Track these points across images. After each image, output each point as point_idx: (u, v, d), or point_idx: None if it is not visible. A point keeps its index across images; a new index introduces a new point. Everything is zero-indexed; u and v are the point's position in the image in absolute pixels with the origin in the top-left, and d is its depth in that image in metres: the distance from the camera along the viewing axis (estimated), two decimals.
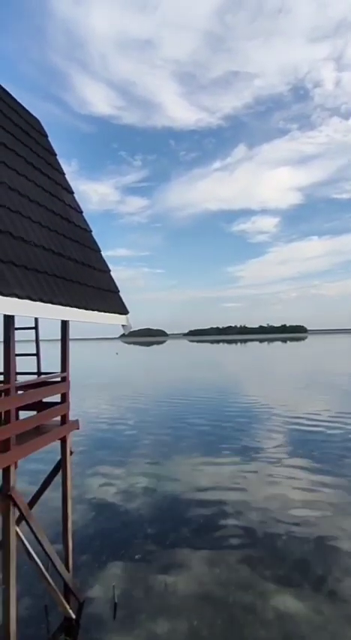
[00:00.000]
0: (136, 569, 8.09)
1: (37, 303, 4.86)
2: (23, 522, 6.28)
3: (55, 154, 8.74)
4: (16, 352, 6.78)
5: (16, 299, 4.43)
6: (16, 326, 6.27)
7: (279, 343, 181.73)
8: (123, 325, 7.69)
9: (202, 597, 7.15)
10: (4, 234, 4.82)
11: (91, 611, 6.89)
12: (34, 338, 8.00)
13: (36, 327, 7.81)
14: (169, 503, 11.45)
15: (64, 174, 8.63)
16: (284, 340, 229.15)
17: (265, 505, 11.08)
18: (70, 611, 6.64)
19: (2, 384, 5.60)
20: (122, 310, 7.73)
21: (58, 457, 7.39)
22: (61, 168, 8.64)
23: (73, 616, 6.64)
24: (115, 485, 12.97)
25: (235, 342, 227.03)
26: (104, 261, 8.25)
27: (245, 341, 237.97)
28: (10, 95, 7.56)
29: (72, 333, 7.57)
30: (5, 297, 4.23)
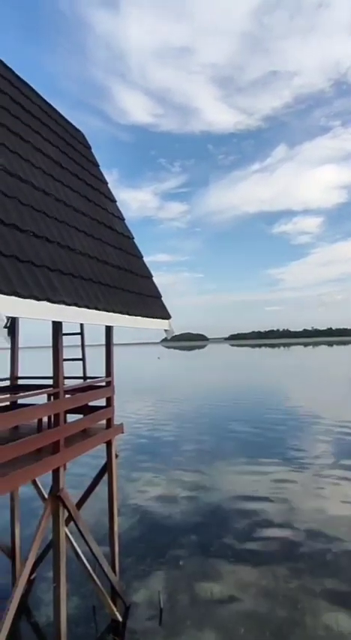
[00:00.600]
0: (181, 576, 8.05)
1: (84, 309, 4.99)
2: (71, 523, 6.44)
3: (98, 165, 9.00)
4: (64, 357, 7.01)
5: (64, 306, 4.58)
6: (63, 332, 6.50)
7: (324, 347, 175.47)
8: (166, 330, 7.74)
9: (248, 610, 6.97)
10: (52, 244, 5.01)
11: (137, 615, 6.92)
12: (79, 343, 8.24)
13: (81, 333, 8.03)
14: (212, 510, 11.32)
15: (106, 183, 8.86)
16: (330, 344, 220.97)
17: (311, 516, 10.67)
18: (117, 614, 6.71)
19: (52, 388, 5.79)
20: (165, 315, 7.78)
21: (100, 461, 7.53)
22: (104, 178, 8.88)
23: (120, 619, 6.71)
24: (158, 489, 13.03)
25: (277, 346, 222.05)
26: (146, 267, 8.36)
27: (288, 345, 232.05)
28: (55, 110, 7.88)
29: (114, 339, 7.72)
30: (54, 305, 4.38)
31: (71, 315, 4.76)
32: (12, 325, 8.56)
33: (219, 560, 8.61)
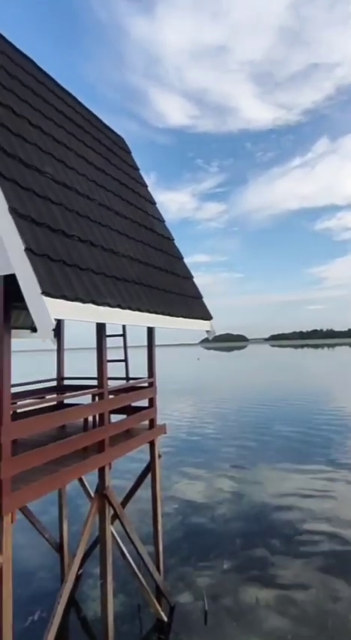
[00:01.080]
0: (226, 578, 7.97)
1: (127, 311, 5.07)
2: (116, 522, 6.56)
3: (138, 169, 9.14)
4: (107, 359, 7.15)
5: (109, 308, 4.67)
6: (106, 334, 6.64)
7: None
8: (207, 331, 7.70)
9: (297, 618, 6.77)
10: (96, 248, 5.13)
11: (182, 616, 6.92)
12: (121, 345, 8.38)
13: (124, 334, 8.17)
14: (257, 513, 11.12)
15: (146, 186, 8.97)
16: None
17: None
18: (162, 613, 6.75)
19: (96, 389, 5.93)
20: (206, 316, 7.75)
21: (139, 463, 7.61)
22: (144, 182, 9.00)
23: (165, 619, 6.74)
24: (201, 489, 12.99)
25: (321, 346, 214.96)
26: (187, 267, 8.37)
27: (333, 345, 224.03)
28: (97, 118, 8.09)
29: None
30: (99, 307, 4.48)
31: (115, 317, 4.85)
32: (57, 328, 8.87)
33: (265, 564, 8.44)
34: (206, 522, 10.63)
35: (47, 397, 7.71)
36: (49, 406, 7.50)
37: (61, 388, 8.49)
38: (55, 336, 9.70)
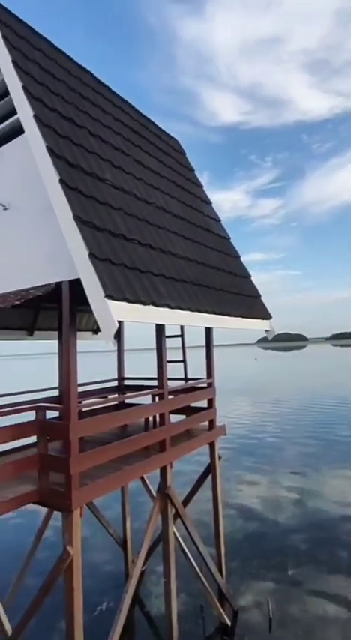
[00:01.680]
0: (290, 586, 7.71)
1: (186, 312, 5.09)
2: (178, 522, 6.60)
3: (193, 170, 9.15)
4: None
5: (168, 309, 4.72)
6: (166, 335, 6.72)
7: None
8: (266, 330, 7.52)
9: None
10: (155, 250, 5.21)
11: (246, 621, 6.80)
12: (179, 345, 8.44)
13: (182, 335, 8.22)
14: (321, 518, 10.65)
15: (201, 187, 8.96)
16: None
17: None
18: (226, 617, 6.68)
19: (156, 389, 6.01)
20: (265, 315, 7.57)
21: (194, 466, 7.58)
22: (199, 182, 8.99)
23: (229, 623, 6.66)
24: (262, 492, 12.71)
25: None
26: (244, 266, 8.23)
27: None
28: (152, 122, 8.23)
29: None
30: (159, 308, 4.54)
31: (175, 318, 4.88)
32: (118, 329, 9.13)
33: (331, 575, 8.05)
34: (268, 527, 10.37)
35: (109, 397, 7.97)
36: (112, 405, 7.74)
37: (122, 388, 8.73)
38: (115, 337, 10.02)
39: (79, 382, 8.09)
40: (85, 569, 5.81)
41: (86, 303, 3.87)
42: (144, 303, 4.33)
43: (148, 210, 5.74)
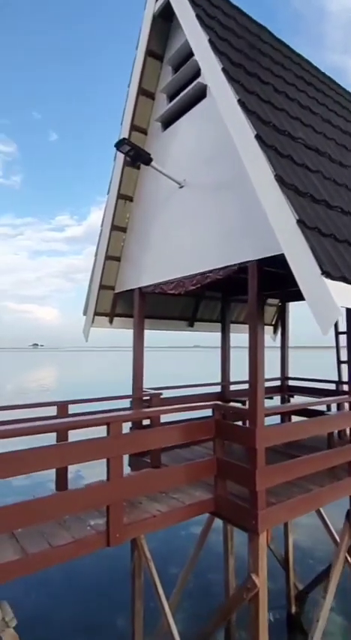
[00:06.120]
0: None
1: None
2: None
3: None
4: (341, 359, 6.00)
5: None
6: (339, 330, 5.54)
7: None
8: None
9: None
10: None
11: None
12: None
13: None
14: None
15: None
16: None
17: None
18: None
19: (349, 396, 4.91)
20: None
21: None
22: None
23: None
24: None
25: None
26: None
27: None
28: (333, 80, 7.07)
29: None
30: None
31: None
32: (282, 323, 8.20)
33: None
34: None
35: (292, 403, 7.07)
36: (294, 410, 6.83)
37: (285, 389, 7.79)
38: (274, 332, 9.10)
39: (234, 380, 7.56)
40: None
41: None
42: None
43: (346, 174, 4.66)
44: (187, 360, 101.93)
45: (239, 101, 3.67)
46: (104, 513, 3.60)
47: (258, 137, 3.47)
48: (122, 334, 6.64)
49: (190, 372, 55.57)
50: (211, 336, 8.00)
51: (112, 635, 6.45)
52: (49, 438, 3.98)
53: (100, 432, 3.58)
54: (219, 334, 7.56)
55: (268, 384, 7.80)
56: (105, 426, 3.56)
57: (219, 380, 7.39)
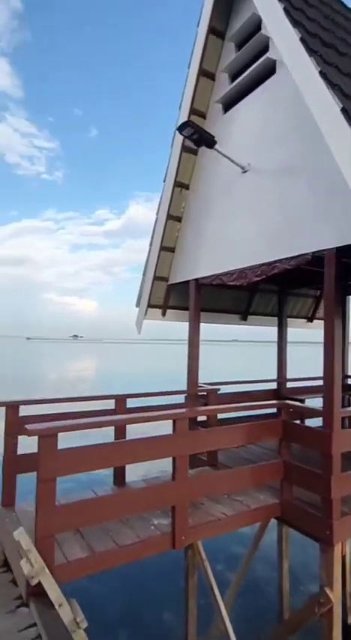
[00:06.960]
0: None
1: None
2: None
3: None
4: None
5: None
6: None
7: None
8: None
9: None
10: None
11: None
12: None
13: None
14: None
15: None
16: None
17: None
18: None
19: None
20: None
21: None
22: None
23: None
24: None
25: None
26: None
27: None
28: None
29: None
30: None
31: None
32: (342, 317, 7.71)
33: None
34: None
35: None
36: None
37: (346, 388, 7.33)
38: (309, 321, 8.64)
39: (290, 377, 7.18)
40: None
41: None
42: None
43: None
44: (228, 354, 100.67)
45: (321, 72, 3.34)
46: (166, 512, 3.45)
47: (344, 110, 3.13)
48: (159, 327, 6.50)
49: (233, 367, 54.86)
50: (251, 330, 7.74)
51: (161, 636, 6.36)
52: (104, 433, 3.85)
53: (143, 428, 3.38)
54: (259, 328, 7.30)
55: (314, 383, 7.40)
56: (152, 423, 3.36)
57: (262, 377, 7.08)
